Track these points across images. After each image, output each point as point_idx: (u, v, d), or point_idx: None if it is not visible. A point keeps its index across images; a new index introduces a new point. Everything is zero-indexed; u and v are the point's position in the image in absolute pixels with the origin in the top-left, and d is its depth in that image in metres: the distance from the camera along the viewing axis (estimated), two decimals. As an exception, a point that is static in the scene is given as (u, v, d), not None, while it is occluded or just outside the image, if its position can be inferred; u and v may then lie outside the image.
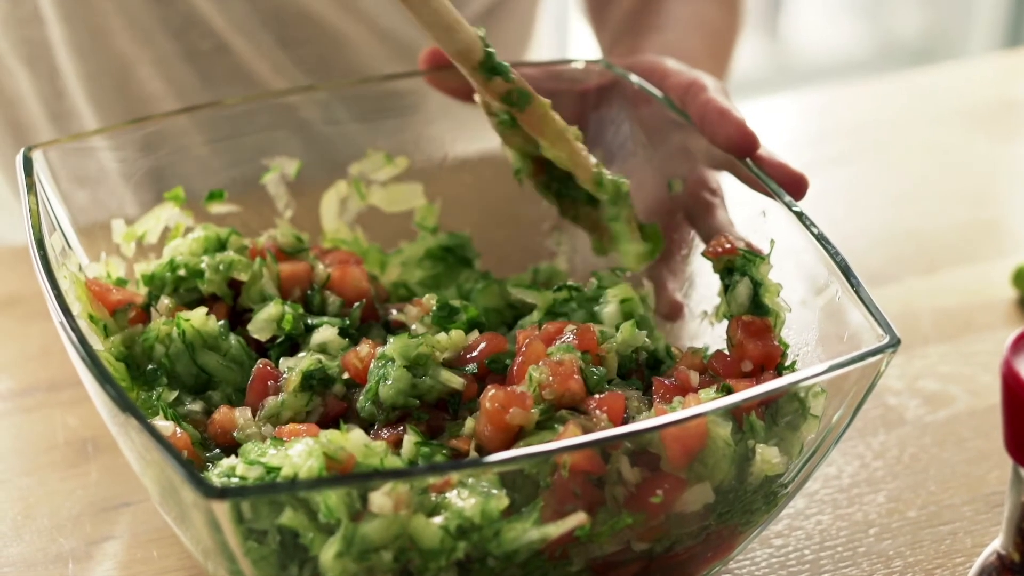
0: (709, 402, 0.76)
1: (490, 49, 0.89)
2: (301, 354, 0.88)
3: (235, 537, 0.69)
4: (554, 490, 0.72)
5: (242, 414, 0.84)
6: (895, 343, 0.75)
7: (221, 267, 0.92)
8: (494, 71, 0.90)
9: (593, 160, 0.92)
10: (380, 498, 0.69)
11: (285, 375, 0.86)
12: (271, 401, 0.85)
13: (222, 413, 0.84)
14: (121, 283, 0.94)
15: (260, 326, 0.90)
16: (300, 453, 0.74)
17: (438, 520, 0.71)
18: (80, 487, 0.96)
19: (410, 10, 0.85)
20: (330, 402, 0.86)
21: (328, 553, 0.70)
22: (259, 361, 0.87)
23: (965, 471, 0.98)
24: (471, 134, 1.06)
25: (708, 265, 0.95)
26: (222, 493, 0.66)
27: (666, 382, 0.83)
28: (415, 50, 1.31)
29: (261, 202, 1.02)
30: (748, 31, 1.42)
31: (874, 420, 1.03)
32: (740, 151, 0.91)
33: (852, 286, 0.80)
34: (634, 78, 1.00)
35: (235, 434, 0.83)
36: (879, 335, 0.76)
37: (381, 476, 0.72)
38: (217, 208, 1.00)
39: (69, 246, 0.89)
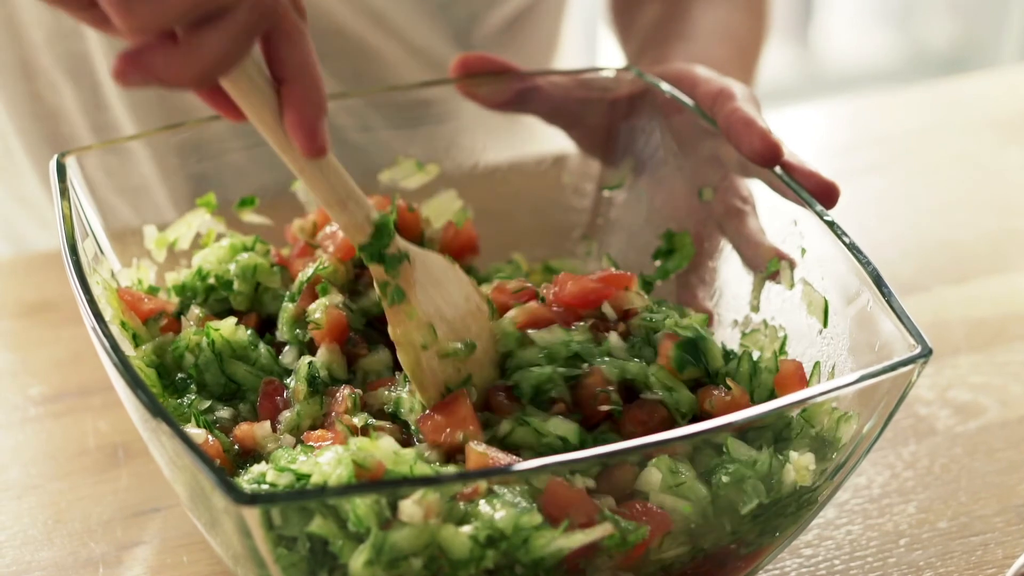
0: (733, 413, 0.75)
1: (385, 230, 0.84)
2: (304, 359, 0.88)
3: (265, 543, 0.69)
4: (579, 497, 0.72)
5: (261, 429, 0.84)
6: (927, 353, 0.75)
7: (247, 274, 0.92)
8: (378, 258, 0.84)
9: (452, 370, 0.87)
10: (410, 506, 0.69)
11: (291, 385, 0.86)
12: (287, 415, 0.85)
13: (243, 430, 0.84)
14: (152, 291, 0.94)
15: (281, 330, 0.91)
16: (329, 461, 0.74)
17: (467, 529, 0.71)
18: (111, 492, 0.96)
19: (302, 177, 0.80)
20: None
21: (357, 561, 0.70)
22: (263, 380, 0.88)
23: (996, 482, 0.97)
24: (502, 142, 1.06)
25: (738, 273, 0.95)
26: (252, 499, 0.66)
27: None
28: (446, 65, 1.31)
29: (293, 210, 1.02)
30: (778, 40, 1.42)
31: (905, 430, 1.02)
32: (764, 161, 0.91)
33: (884, 296, 0.80)
34: (665, 86, 1.00)
35: (259, 449, 0.84)
36: (910, 345, 0.76)
37: (410, 483, 0.72)
38: (249, 217, 1.00)
39: (101, 252, 0.90)
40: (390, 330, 0.85)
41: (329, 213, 0.82)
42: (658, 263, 0.99)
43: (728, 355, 0.89)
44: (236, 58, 0.72)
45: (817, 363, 0.85)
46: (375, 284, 0.85)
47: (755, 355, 0.88)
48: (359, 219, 0.83)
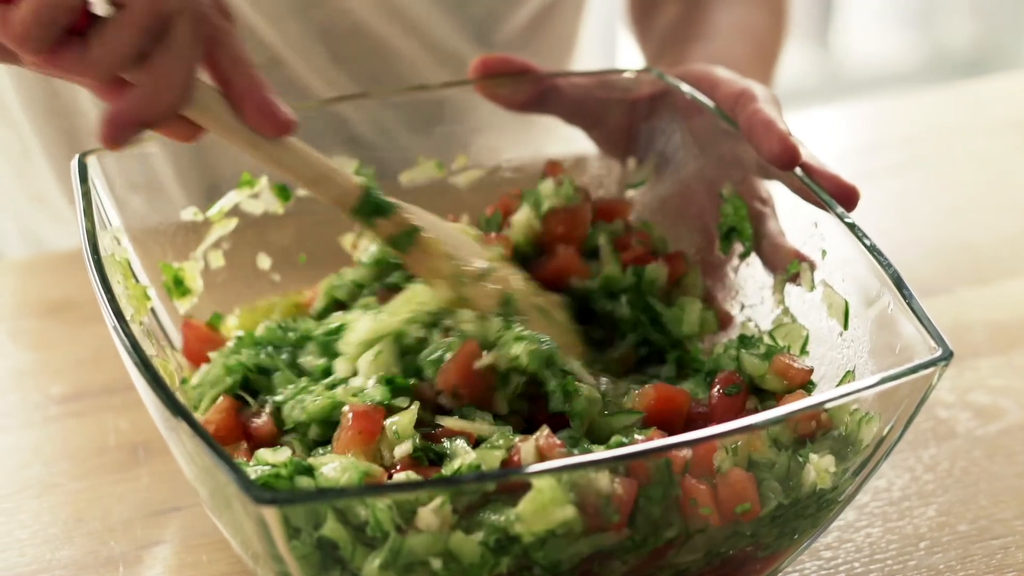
0: (756, 414, 0.75)
1: (371, 191, 0.87)
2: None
3: (284, 541, 0.69)
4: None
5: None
6: (948, 356, 0.75)
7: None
8: (374, 212, 0.87)
9: (493, 289, 0.90)
10: (427, 515, 0.70)
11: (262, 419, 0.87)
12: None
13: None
14: (216, 320, 0.98)
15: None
16: (335, 468, 0.75)
17: (478, 536, 0.71)
18: (131, 491, 0.96)
19: (278, 167, 0.83)
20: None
21: (373, 564, 0.70)
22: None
23: (1017, 485, 0.97)
24: (523, 143, 1.06)
25: (757, 275, 0.95)
26: (272, 499, 0.66)
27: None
28: (465, 61, 1.31)
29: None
30: (798, 41, 1.42)
31: (925, 433, 1.02)
32: (782, 164, 0.90)
33: (904, 298, 0.79)
34: (685, 87, 1.00)
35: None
36: (931, 347, 0.76)
37: (431, 485, 0.73)
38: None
39: (122, 248, 0.90)
40: (416, 273, 0.89)
41: (314, 191, 0.85)
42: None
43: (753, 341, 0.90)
44: (193, 70, 0.75)
45: (849, 372, 0.85)
46: (383, 241, 0.88)
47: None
48: (345, 186, 0.86)
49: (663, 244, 1.00)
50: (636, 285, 0.95)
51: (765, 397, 0.87)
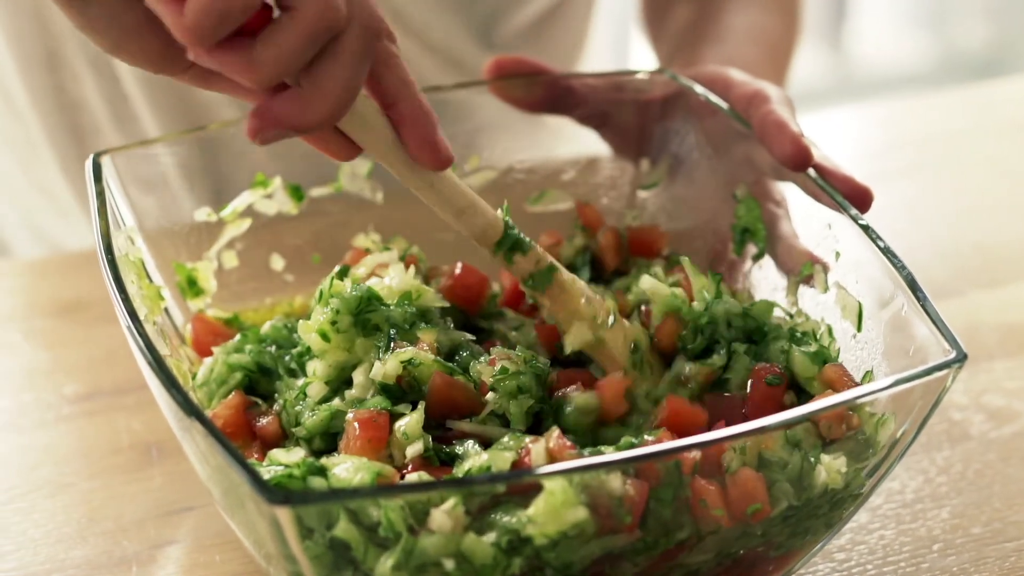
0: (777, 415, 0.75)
1: (511, 230, 0.86)
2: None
3: (297, 541, 0.69)
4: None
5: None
6: (961, 358, 0.74)
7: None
8: (515, 248, 0.86)
9: (627, 332, 0.88)
10: (440, 516, 0.70)
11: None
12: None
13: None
14: (232, 321, 0.97)
15: None
16: (348, 469, 0.76)
17: (490, 538, 0.71)
18: (144, 491, 0.97)
19: (431, 194, 0.82)
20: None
21: (385, 565, 0.70)
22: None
23: (1030, 488, 0.97)
24: (535, 144, 1.06)
25: (770, 277, 0.95)
26: (286, 499, 0.66)
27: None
28: (464, 63, 1.31)
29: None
30: (811, 42, 1.42)
31: (938, 435, 1.02)
32: (794, 165, 0.90)
33: (918, 300, 0.79)
34: (699, 88, 1.00)
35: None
36: (945, 350, 0.76)
37: (444, 485, 0.73)
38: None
39: (135, 248, 0.90)
40: (553, 313, 0.87)
41: (458, 222, 0.83)
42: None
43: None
44: (358, 86, 0.73)
45: (868, 372, 0.85)
46: (519, 281, 0.87)
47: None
48: (490, 218, 0.84)
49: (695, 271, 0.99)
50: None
51: (800, 389, 0.87)
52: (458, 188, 0.82)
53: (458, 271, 0.94)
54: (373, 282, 0.88)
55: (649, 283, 0.89)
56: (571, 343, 0.87)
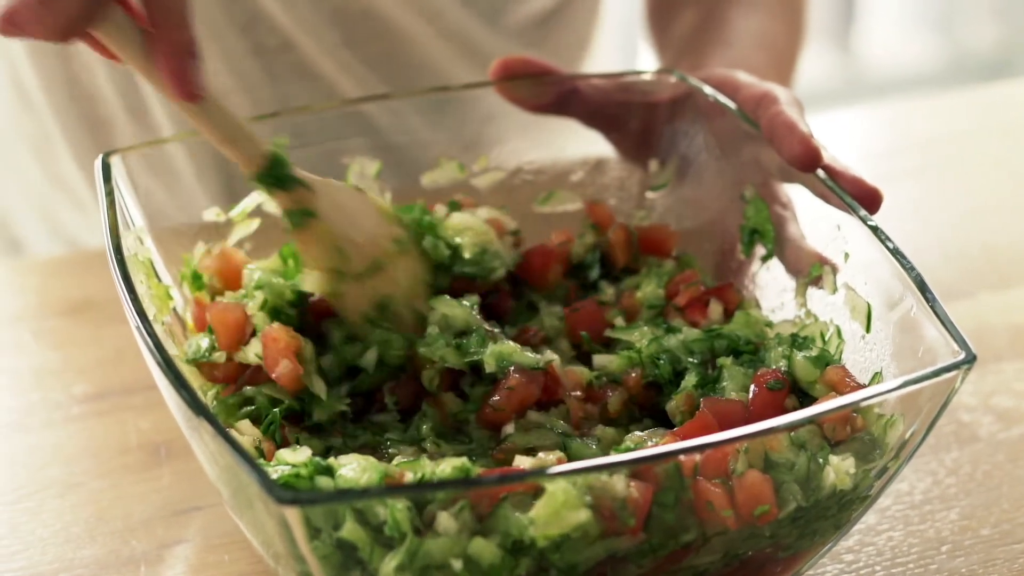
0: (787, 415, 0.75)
1: (277, 161, 0.87)
2: None
3: (306, 541, 0.69)
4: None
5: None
6: (971, 359, 0.74)
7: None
8: (275, 183, 0.87)
9: (370, 289, 0.91)
10: (446, 519, 0.70)
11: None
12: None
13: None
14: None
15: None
16: (354, 469, 0.76)
17: (495, 540, 0.71)
18: (153, 491, 0.97)
19: (190, 119, 0.84)
20: None
21: (389, 566, 0.70)
22: None
23: (1039, 489, 0.97)
24: (543, 145, 1.06)
25: (779, 278, 0.95)
26: (294, 499, 0.66)
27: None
28: (479, 48, 1.31)
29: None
30: (819, 43, 1.42)
31: (947, 436, 1.02)
32: (803, 166, 0.90)
33: (927, 301, 0.79)
34: (708, 89, 0.99)
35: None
36: (954, 351, 0.75)
37: (454, 485, 0.73)
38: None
39: (145, 247, 0.90)
40: (300, 253, 0.90)
41: (222, 151, 0.86)
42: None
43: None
44: (95, 10, 0.76)
45: (877, 374, 0.85)
46: (281, 213, 0.88)
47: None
48: (251, 152, 0.86)
49: (706, 277, 0.99)
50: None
51: (803, 394, 0.87)
52: (218, 119, 0.84)
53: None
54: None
55: (603, 360, 0.91)
56: (304, 286, 0.90)
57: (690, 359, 0.89)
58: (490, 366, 0.86)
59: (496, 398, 0.85)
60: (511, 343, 0.88)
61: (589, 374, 0.90)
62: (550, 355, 0.88)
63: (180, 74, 0.80)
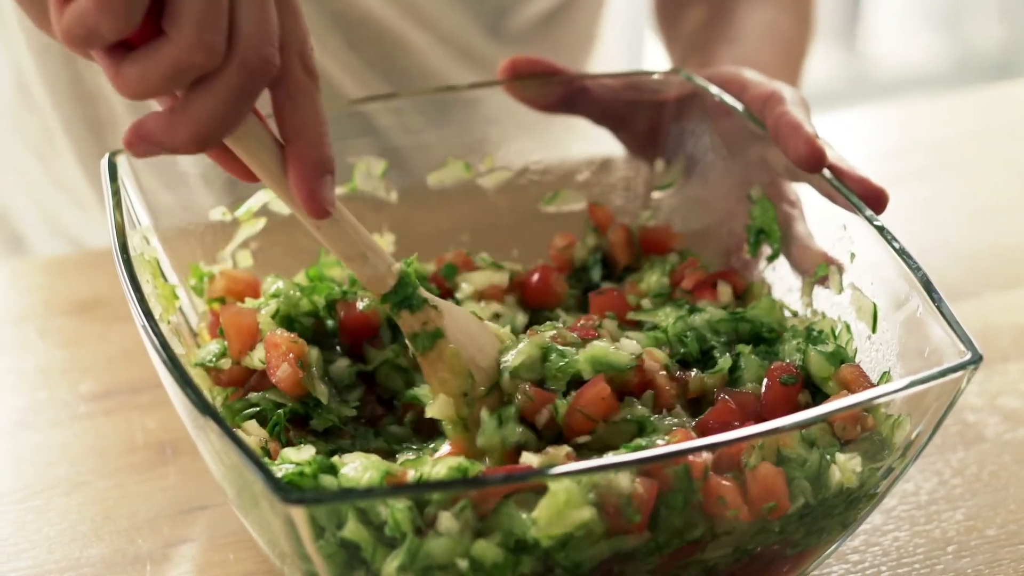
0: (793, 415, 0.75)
1: (406, 281, 0.83)
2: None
3: (311, 540, 0.69)
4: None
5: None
6: (977, 360, 0.74)
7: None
8: (403, 304, 0.83)
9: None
10: (447, 518, 0.70)
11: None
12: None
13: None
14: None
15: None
16: (357, 468, 0.76)
17: (496, 539, 0.71)
18: (158, 490, 0.97)
19: (319, 235, 0.79)
20: None
21: (391, 566, 0.70)
22: None
23: (1045, 490, 0.97)
24: (550, 145, 1.06)
25: (785, 278, 0.95)
26: (300, 499, 0.66)
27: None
28: (476, 54, 1.31)
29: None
30: (825, 43, 1.42)
31: (953, 437, 1.02)
32: (808, 166, 0.90)
33: (934, 301, 0.79)
34: (714, 89, 0.99)
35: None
36: (960, 351, 0.75)
37: (459, 484, 0.73)
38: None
39: (151, 247, 0.91)
40: (425, 376, 0.85)
41: (349, 267, 0.82)
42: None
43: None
44: (233, 120, 0.71)
45: (885, 373, 0.85)
46: (405, 336, 0.84)
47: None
48: (381, 271, 0.82)
49: (709, 265, 0.99)
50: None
51: (816, 388, 0.87)
52: (348, 235, 0.80)
53: (535, 278, 0.97)
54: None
55: (632, 345, 0.87)
56: (431, 412, 0.84)
57: (717, 339, 0.89)
58: (587, 372, 0.83)
59: (583, 405, 0.82)
60: (599, 343, 0.84)
61: (665, 356, 0.88)
62: (634, 346, 0.86)
63: (312, 192, 0.75)
